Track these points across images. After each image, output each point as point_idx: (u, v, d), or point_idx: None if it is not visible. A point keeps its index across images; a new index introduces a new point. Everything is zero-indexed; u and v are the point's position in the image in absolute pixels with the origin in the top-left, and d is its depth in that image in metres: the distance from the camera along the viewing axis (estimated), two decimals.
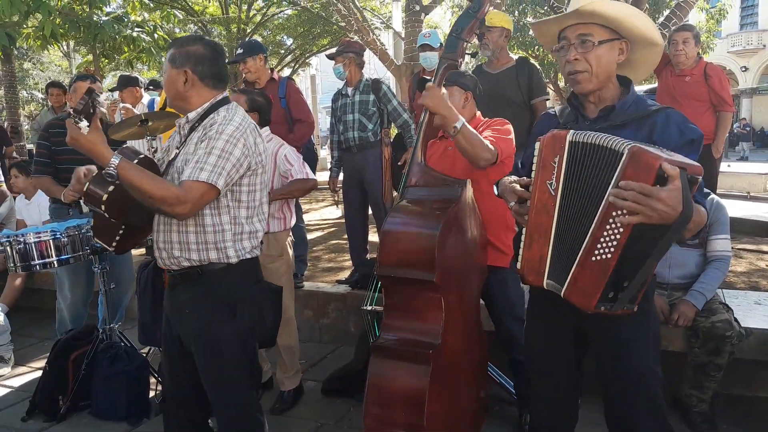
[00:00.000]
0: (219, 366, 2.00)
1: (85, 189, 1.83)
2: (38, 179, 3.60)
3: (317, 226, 7.23)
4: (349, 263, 4.82)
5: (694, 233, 1.55)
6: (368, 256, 4.48)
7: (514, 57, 4.07)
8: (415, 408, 2.05)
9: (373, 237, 4.63)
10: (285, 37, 17.10)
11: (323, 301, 4.10)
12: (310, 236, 6.22)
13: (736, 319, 2.65)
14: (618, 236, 1.45)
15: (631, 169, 1.42)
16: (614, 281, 1.48)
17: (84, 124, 1.78)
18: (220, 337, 1.98)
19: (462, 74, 2.65)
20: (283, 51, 17.37)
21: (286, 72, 17.31)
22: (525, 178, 1.74)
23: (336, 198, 4.85)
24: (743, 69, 28.94)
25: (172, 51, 2.00)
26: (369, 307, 2.75)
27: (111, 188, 1.82)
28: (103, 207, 1.82)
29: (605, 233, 1.47)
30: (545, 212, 1.62)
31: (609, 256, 1.47)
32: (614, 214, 1.45)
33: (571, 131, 1.60)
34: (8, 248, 3.14)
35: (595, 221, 1.50)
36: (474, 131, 2.36)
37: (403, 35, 10.35)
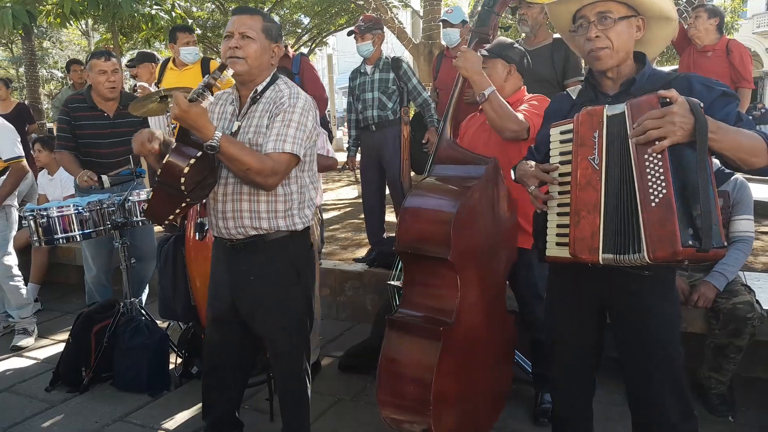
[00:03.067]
0: (287, 326, 2.17)
1: (165, 161, 1.81)
2: (60, 154, 3.68)
3: (334, 206, 7.25)
4: (364, 242, 4.84)
5: (760, 157, 1.53)
6: (385, 235, 4.49)
7: (554, 35, 3.98)
8: (424, 383, 2.07)
9: (390, 216, 4.64)
10: (302, 16, 16.98)
11: (340, 278, 4.12)
12: (326, 215, 6.26)
13: (757, 301, 2.61)
14: (661, 170, 1.49)
15: (636, 116, 1.53)
16: (685, 214, 1.46)
17: (211, 99, 1.81)
18: (290, 298, 2.16)
19: (508, 46, 2.58)
20: (300, 30, 17.27)
21: (303, 51, 17.23)
22: (548, 164, 1.76)
23: (355, 177, 4.85)
24: None
25: (269, 24, 2.05)
26: (394, 282, 2.75)
27: (192, 161, 1.82)
28: (183, 179, 1.81)
29: (649, 176, 1.50)
30: (591, 187, 1.62)
31: (665, 191, 1.48)
32: (646, 156, 1.51)
33: (607, 105, 1.63)
34: (32, 222, 3.19)
35: (635, 173, 1.54)
36: (503, 101, 2.34)
37: (421, 13, 10.24)
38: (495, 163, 2.32)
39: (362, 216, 4.71)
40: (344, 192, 8.53)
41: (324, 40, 18.59)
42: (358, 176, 4.58)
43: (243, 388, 2.46)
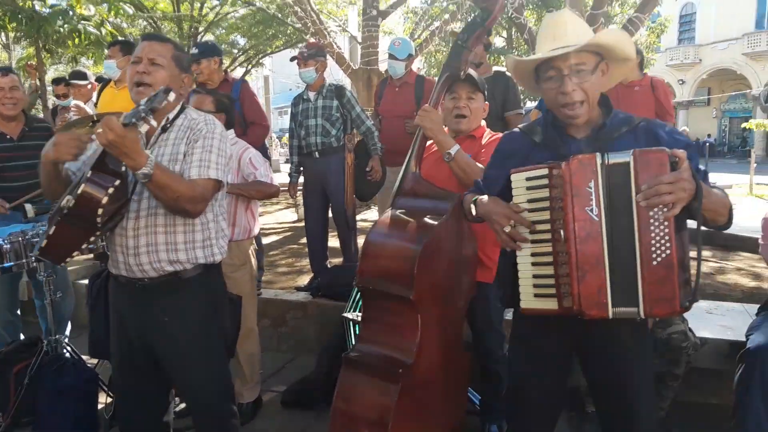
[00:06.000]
0: (206, 366, 2.05)
1: (79, 191, 1.65)
2: None
3: (273, 230, 7.10)
4: (306, 269, 4.75)
5: (725, 215, 1.61)
6: (328, 262, 4.42)
7: (494, 68, 4.07)
8: (381, 426, 2.01)
9: (333, 242, 4.59)
10: (238, 36, 16.78)
11: (282, 308, 4.01)
12: (266, 240, 6.11)
13: (690, 329, 2.73)
14: (666, 230, 1.49)
15: (644, 171, 1.50)
16: (680, 275, 1.50)
17: (153, 123, 1.69)
18: (208, 336, 2.04)
19: (484, 84, 2.60)
20: (236, 51, 17.04)
21: (239, 71, 17.00)
22: (514, 204, 1.69)
23: (294, 200, 4.76)
24: (680, 82, 30.32)
25: (179, 53, 2.00)
26: (350, 315, 2.68)
27: (111, 190, 1.68)
28: (100, 210, 1.67)
29: (653, 233, 1.50)
30: (591, 240, 1.57)
31: (669, 252, 1.49)
32: (651, 213, 1.50)
33: (598, 154, 1.58)
34: None
35: (635, 227, 1.52)
36: (468, 158, 2.35)
37: (359, 39, 10.35)
38: (460, 199, 2.30)
39: (303, 241, 4.63)
40: (283, 215, 8.39)
41: (260, 61, 18.41)
42: (299, 200, 4.50)
43: (166, 430, 2.34)
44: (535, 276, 1.66)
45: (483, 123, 2.65)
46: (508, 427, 2.12)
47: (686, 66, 30.38)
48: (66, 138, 1.83)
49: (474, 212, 1.85)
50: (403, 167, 2.46)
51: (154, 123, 1.69)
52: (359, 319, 2.49)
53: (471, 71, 2.55)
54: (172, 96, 1.71)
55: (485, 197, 1.81)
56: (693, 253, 1.59)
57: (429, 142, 2.73)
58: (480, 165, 2.35)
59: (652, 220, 1.50)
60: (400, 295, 2.05)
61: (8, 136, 3.41)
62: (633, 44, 1.81)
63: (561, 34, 1.70)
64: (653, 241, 1.50)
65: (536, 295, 1.66)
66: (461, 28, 2.49)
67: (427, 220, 2.19)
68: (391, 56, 4.31)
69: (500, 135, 2.54)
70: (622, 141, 1.70)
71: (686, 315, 2.84)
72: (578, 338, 1.81)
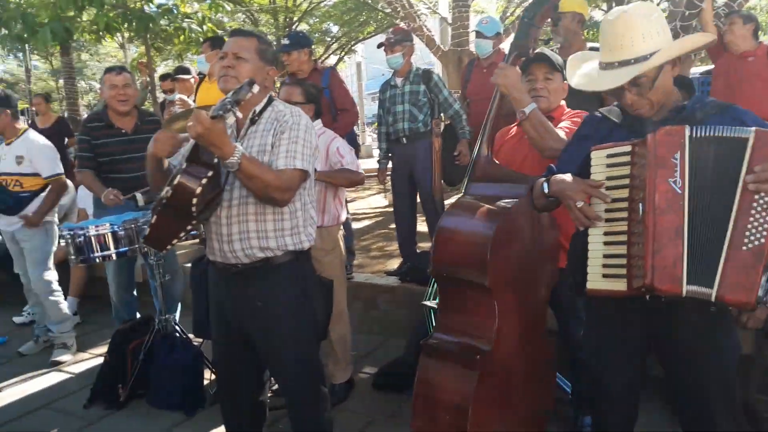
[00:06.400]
0: (297, 349, 2.12)
1: (175, 182, 1.76)
2: (81, 174, 3.64)
3: (365, 215, 7.23)
4: (397, 252, 4.79)
5: None
6: (417, 248, 4.45)
7: (588, 44, 3.89)
8: (461, 412, 2.00)
9: (421, 227, 4.61)
10: (331, 24, 17.08)
11: (373, 293, 4.09)
12: (358, 225, 6.26)
13: None
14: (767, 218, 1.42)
15: (762, 152, 1.43)
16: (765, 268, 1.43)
17: (239, 115, 1.77)
18: (299, 322, 2.10)
19: (563, 64, 2.51)
20: (329, 39, 17.37)
21: (332, 59, 17.33)
22: (592, 180, 1.65)
23: (384, 186, 4.81)
24: None
25: (264, 46, 2.08)
26: (429, 303, 2.69)
27: (204, 181, 1.77)
28: (195, 200, 1.76)
29: (752, 218, 1.43)
30: (672, 212, 1.50)
31: (763, 240, 1.41)
32: (756, 197, 1.43)
33: (687, 126, 1.53)
34: (69, 241, 3.24)
35: (734, 210, 1.45)
36: (544, 119, 2.27)
37: (449, 20, 10.18)
38: (533, 184, 2.24)
39: (393, 225, 4.68)
40: (375, 200, 8.51)
41: (352, 48, 18.64)
42: (389, 186, 4.55)
43: (263, 407, 2.40)
44: (605, 255, 1.61)
45: (563, 103, 2.55)
46: (593, 417, 2.08)
47: None
48: (163, 136, 1.99)
49: (546, 190, 1.78)
50: (475, 151, 2.42)
51: (239, 114, 1.75)
52: (437, 307, 2.49)
53: (548, 51, 2.46)
54: (256, 88, 1.77)
55: (560, 175, 1.75)
56: None
57: (507, 128, 2.67)
58: (558, 131, 2.26)
59: (755, 204, 1.41)
60: (475, 281, 2.02)
61: (123, 131, 3.68)
62: (704, 37, 1.74)
63: (617, 44, 1.63)
64: (749, 225, 1.41)
65: (605, 276, 1.61)
66: (527, 5, 2.41)
67: (500, 204, 2.13)
68: (479, 34, 4.22)
69: (578, 111, 2.45)
70: (706, 124, 1.59)
71: None
72: (654, 327, 1.73)
